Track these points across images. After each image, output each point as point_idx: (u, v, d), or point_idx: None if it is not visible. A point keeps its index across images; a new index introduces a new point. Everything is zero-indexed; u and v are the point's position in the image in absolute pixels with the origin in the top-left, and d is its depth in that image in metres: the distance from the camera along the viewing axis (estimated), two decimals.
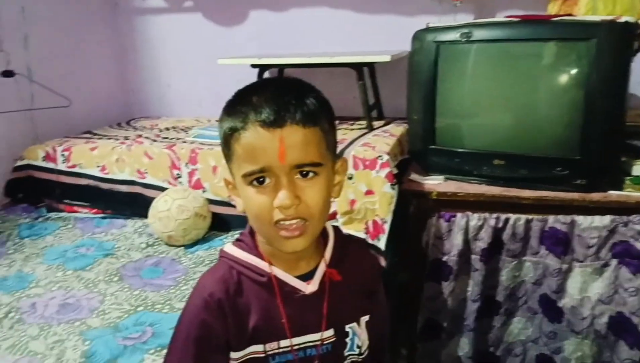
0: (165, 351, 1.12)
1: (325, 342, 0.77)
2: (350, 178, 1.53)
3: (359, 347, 0.81)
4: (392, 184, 1.51)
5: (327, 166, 0.71)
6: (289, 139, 0.66)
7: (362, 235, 1.51)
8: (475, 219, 1.49)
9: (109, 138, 2.04)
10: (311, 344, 0.77)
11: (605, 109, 1.34)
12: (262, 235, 0.74)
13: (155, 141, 1.93)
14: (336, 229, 0.84)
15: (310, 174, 0.69)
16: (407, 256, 1.62)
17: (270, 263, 0.76)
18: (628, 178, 1.48)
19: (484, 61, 1.52)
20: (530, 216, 1.45)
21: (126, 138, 2.00)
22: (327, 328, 0.77)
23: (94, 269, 1.52)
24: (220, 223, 1.72)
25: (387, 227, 1.50)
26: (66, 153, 1.93)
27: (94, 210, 1.92)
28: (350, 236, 0.90)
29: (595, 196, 1.41)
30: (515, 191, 1.49)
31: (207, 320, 0.74)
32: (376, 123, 1.96)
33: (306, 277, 0.77)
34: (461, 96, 1.56)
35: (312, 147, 0.68)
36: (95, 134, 2.15)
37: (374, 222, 1.52)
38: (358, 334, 0.81)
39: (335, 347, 0.78)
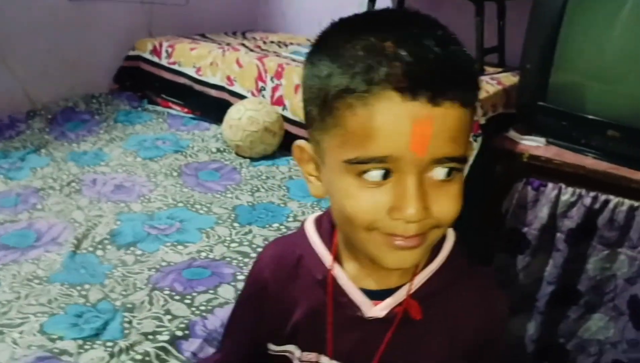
0: (180, 247, 1.12)
1: None
2: None
3: None
4: (475, 135, 1.32)
5: None
6: (441, 123, 0.44)
7: None
8: (568, 193, 1.28)
9: (214, 42, 2.04)
10: None
11: None
12: (350, 238, 0.52)
13: (252, 51, 1.89)
14: (457, 241, 0.59)
15: (452, 174, 0.47)
16: (481, 220, 1.44)
17: (335, 259, 0.56)
18: None
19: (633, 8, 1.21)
20: (636, 203, 1.19)
21: (228, 44, 1.99)
22: None
23: (161, 161, 1.55)
24: None
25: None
26: (169, 50, 1.97)
27: (186, 109, 1.96)
28: (476, 264, 0.61)
29: None
30: (625, 171, 1.22)
31: (252, 298, 0.64)
32: (491, 69, 1.72)
33: (381, 294, 0.55)
34: (589, 47, 1.30)
35: (463, 135, 0.47)
36: (207, 38, 2.16)
37: None
38: None
39: None
